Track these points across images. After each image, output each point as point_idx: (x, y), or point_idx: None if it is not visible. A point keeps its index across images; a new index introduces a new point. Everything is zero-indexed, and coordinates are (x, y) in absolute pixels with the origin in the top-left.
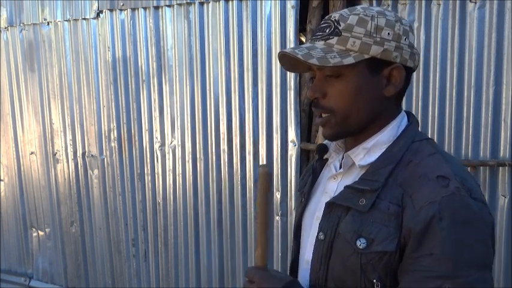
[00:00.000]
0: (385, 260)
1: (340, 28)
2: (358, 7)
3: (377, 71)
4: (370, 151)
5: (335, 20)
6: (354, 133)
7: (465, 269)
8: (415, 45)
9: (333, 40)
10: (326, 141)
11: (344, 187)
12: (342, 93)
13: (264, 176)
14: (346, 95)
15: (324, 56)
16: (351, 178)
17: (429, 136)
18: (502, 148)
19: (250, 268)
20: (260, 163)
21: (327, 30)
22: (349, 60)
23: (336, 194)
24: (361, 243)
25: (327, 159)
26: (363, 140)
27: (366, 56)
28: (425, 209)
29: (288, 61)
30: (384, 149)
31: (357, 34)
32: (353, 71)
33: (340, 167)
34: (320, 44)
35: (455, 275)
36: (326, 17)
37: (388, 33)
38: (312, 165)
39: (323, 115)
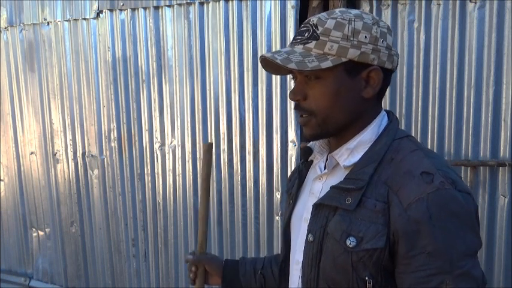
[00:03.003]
0: (375, 257)
1: (318, 32)
2: (337, 10)
3: (355, 74)
4: (353, 151)
5: (313, 24)
6: (334, 134)
7: (460, 260)
8: (417, 45)
9: (311, 44)
10: (310, 143)
11: (330, 187)
12: (322, 96)
13: (209, 150)
14: (326, 97)
15: (302, 61)
16: (335, 178)
17: (428, 136)
18: (502, 148)
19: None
20: (260, 163)
21: (306, 34)
22: (327, 64)
23: (322, 195)
24: (350, 242)
25: (312, 161)
26: (345, 141)
27: (344, 59)
28: (414, 206)
29: (270, 64)
30: (367, 149)
31: (334, 38)
32: (331, 74)
33: (325, 168)
34: (299, 48)
35: (452, 269)
36: (305, 21)
37: (365, 36)
38: (297, 167)
39: (304, 116)
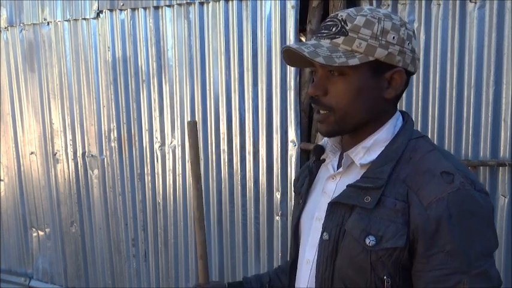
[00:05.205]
0: (395, 256)
1: (347, 28)
2: (365, 8)
3: (379, 74)
4: (369, 150)
5: (342, 19)
6: (349, 131)
7: (478, 260)
8: (417, 45)
9: (339, 39)
10: (322, 142)
11: (346, 186)
12: (343, 93)
13: (195, 129)
14: (348, 94)
15: (329, 56)
16: (350, 177)
17: (429, 136)
18: (502, 148)
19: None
20: (260, 163)
21: (333, 29)
22: (354, 61)
23: (337, 194)
24: (370, 241)
25: (322, 161)
26: (360, 140)
27: (371, 58)
28: (434, 206)
29: (291, 56)
30: (383, 148)
31: (364, 36)
32: (356, 71)
33: (338, 167)
34: (326, 42)
35: (470, 268)
36: (332, 15)
37: (393, 37)
38: (307, 166)
39: (321, 112)
